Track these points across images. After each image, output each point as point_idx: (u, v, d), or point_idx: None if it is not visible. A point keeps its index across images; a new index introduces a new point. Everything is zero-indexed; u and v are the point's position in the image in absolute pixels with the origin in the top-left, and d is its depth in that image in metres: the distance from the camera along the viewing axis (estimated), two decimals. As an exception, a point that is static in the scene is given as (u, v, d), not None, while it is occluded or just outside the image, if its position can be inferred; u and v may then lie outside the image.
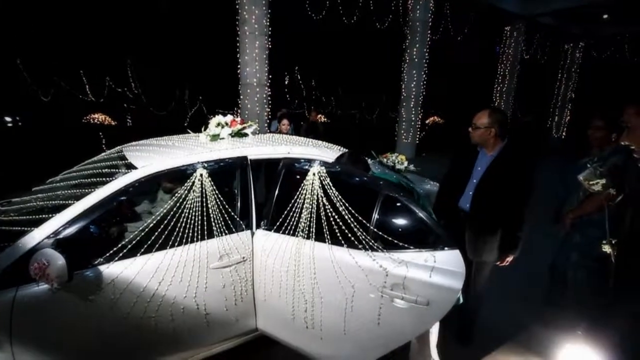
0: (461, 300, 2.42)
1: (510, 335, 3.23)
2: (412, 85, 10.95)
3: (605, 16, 13.53)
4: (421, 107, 11.38)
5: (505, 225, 2.70)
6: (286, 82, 18.57)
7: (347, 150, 2.82)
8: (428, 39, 10.79)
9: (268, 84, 8.42)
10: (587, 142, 2.92)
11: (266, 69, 8.26)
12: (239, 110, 8.63)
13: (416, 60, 10.75)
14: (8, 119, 14.93)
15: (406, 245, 2.02)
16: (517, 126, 14.93)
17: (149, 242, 2.16)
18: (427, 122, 20.94)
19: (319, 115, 18.14)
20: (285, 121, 6.57)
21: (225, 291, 2.42)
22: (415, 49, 10.68)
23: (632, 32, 13.95)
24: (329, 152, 2.79)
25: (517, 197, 2.67)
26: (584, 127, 2.94)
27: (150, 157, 2.41)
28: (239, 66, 8.31)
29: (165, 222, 2.21)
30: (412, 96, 11.06)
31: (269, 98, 8.55)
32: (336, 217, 2.13)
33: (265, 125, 8.39)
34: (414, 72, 10.85)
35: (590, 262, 2.94)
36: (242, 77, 8.32)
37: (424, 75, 11.03)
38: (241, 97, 8.43)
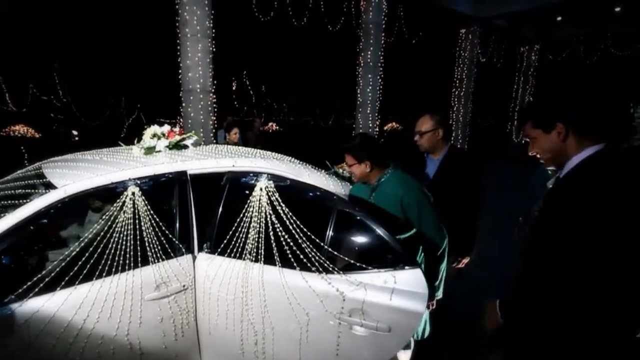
0: (418, 337, 2.44)
1: (479, 352, 3.28)
2: (368, 90, 11.12)
3: (559, 18, 14.42)
4: (378, 113, 11.57)
5: (459, 228, 2.77)
6: (233, 88, 18.40)
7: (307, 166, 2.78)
8: (382, 41, 11.02)
9: (213, 90, 8.27)
10: None
11: (210, 74, 8.10)
12: (181, 120, 8.41)
13: (371, 64, 10.94)
14: None
15: (364, 266, 1.99)
16: (477, 132, 15.54)
17: (71, 273, 2.01)
18: (385, 128, 21.37)
19: (270, 124, 18.09)
20: (235, 130, 6.48)
21: (163, 325, 2.29)
22: (369, 53, 10.87)
23: (585, 33, 14.93)
24: (279, 164, 2.73)
25: (469, 198, 2.84)
26: None
27: (73, 175, 2.26)
28: (180, 71, 8.11)
29: (91, 249, 2.07)
30: (369, 102, 11.23)
31: (214, 105, 8.38)
32: (287, 236, 2.08)
33: (211, 135, 8.21)
34: (370, 76, 11.03)
35: None
36: (183, 83, 8.11)
37: (380, 80, 11.24)
38: (183, 104, 8.21)
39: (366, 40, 10.87)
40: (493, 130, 17.94)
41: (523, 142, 18.18)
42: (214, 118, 8.45)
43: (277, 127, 19.49)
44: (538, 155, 1.68)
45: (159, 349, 2.30)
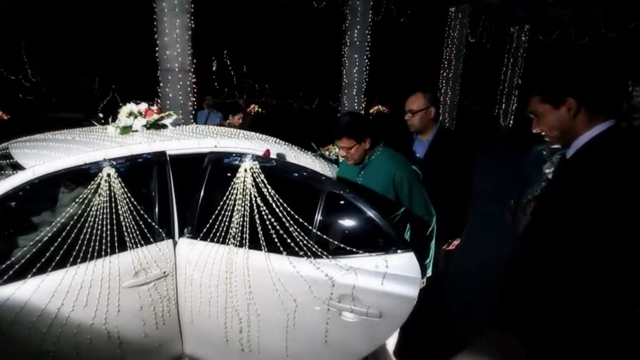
0: None
1: (467, 338, 3.31)
2: (354, 71, 11.02)
3: (550, -2, 14.43)
4: (364, 95, 11.50)
5: (448, 210, 2.78)
6: (214, 68, 18.09)
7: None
8: (370, 19, 10.90)
9: (192, 70, 8.09)
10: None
11: (189, 52, 7.91)
12: (159, 100, 8.23)
13: (357, 43, 10.82)
14: None
15: (354, 250, 1.96)
16: (465, 115, 15.60)
17: (43, 260, 1.94)
18: (371, 111, 21.30)
19: (252, 106, 17.88)
20: (240, 115, 6.34)
21: (143, 314, 2.24)
22: (356, 31, 10.74)
23: (577, 13, 14.95)
24: (264, 145, 2.67)
25: (459, 180, 2.88)
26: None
27: (43, 155, 2.17)
28: (157, 49, 7.91)
29: (64, 234, 2.00)
30: (354, 83, 11.13)
31: (193, 86, 8.22)
32: (273, 219, 2.03)
33: (191, 117, 8.07)
34: (356, 56, 10.92)
35: None
36: (161, 62, 7.91)
37: (367, 60, 11.14)
38: (161, 84, 8.03)
39: (353, 17, 10.72)
40: (481, 113, 18.03)
41: (510, 125, 18.35)
42: (194, 99, 8.29)
43: (260, 110, 19.30)
44: (543, 133, 1.62)
45: (139, 337, 2.25)
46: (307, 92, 20.85)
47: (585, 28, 14.94)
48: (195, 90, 8.31)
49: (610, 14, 14.17)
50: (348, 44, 10.96)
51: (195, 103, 8.33)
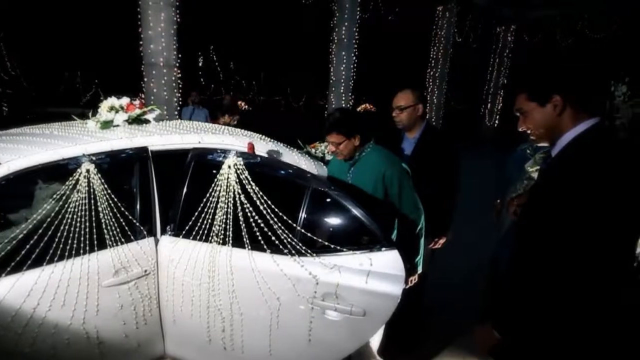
0: None
1: (452, 337, 3.32)
2: (342, 68, 11.00)
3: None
4: (352, 92, 11.49)
5: (435, 207, 2.77)
6: (200, 64, 17.93)
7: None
8: (358, 17, 10.89)
9: (177, 65, 7.99)
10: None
11: (175, 47, 7.81)
12: (143, 95, 8.11)
13: (345, 40, 10.81)
14: None
15: (338, 248, 1.94)
16: (452, 114, 15.70)
17: (18, 258, 1.88)
18: (358, 109, 21.31)
19: (239, 102, 17.72)
20: (237, 117, 6.17)
21: (123, 313, 2.19)
22: (344, 28, 10.72)
23: (562, 14, 15.13)
24: (247, 141, 2.63)
25: (446, 178, 2.90)
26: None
27: (19, 149, 2.10)
28: (141, 43, 7.79)
29: (41, 231, 1.94)
30: (342, 80, 11.12)
31: (179, 81, 8.12)
32: (257, 217, 2.00)
33: (175, 113, 7.97)
34: (343, 53, 10.90)
35: None
36: (145, 56, 7.79)
37: (354, 58, 11.13)
38: (145, 79, 7.92)
39: (340, 15, 10.71)
40: (467, 112, 18.17)
41: (496, 125, 18.50)
42: (179, 94, 8.19)
43: (246, 106, 19.19)
44: (529, 131, 1.63)
45: (119, 338, 2.21)
46: (295, 89, 20.78)
47: (570, 29, 15.13)
48: (180, 85, 8.21)
49: (594, 16, 14.36)
50: (336, 41, 10.93)
51: (180, 99, 8.23)
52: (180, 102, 8.21)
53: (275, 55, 18.94)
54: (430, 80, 14.83)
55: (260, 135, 2.96)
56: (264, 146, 2.63)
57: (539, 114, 1.56)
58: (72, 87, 15.76)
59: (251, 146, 2.45)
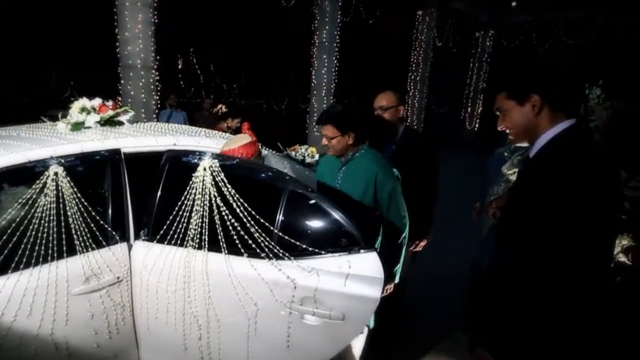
0: (371, 325, 2.41)
1: (434, 341, 3.31)
2: (323, 71, 11.01)
3: (514, 3, 14.84)
4: (333, 95, 11.49)
5: (415, 210, 2.76)
6: (179, 67, 17.73)
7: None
8: (339, 20, 10.92)
9: (155, 67, 7.88)
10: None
11: (152, 48, 7.70)
12: (120, 98, 7.97)
13: (326, 43, 10.82)
14: None
15: (317, 250, 1.91)
16: (432, 118, 15.84)
17: (-20, 266, 1.80)
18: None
19: (220, 105, 17.59)
20: (237, 119, 6.05)
21: (95, 322, 2.11)
22: (325, 31, 10.73)
23: (539, 20, 15.44)
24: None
25: (426, 180, 2.91)
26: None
27: (-18, 152, 2.01)
28: (118, 44, 7.66)
29: (5, 237, 1.86)
30: (324, 84, 11.12)
31: (157, 84, 8.01)
32: (233, 220, 1.95)
33: (154, 115, 7.85)
34: (325, 56, 10.91)
35: None
36: (122, 58, 7.67)
37: (336, 61, 11.15)
38: (122, 81, 7.79)
39: (322, 18, 10.72)
40: (448, 116, 18.34)
41: (476, 128, 18.72)
42: (157, 97, 8.07)
43: (227, 110, 19.03)
44: (507, 130, 1.63)
45: (91, 348, 2.12)
46: (277, 93, 20.70)
47: (547, 34, 15.44)
48: (159, 88, 8.10)
49: (570, 21, 14.68)
50: (317, 44, 10.94)
51: (158, 102, 8.12)
52: (159, 105, 8.10)
53: (257, 58, 18.85)
54: (411, 84, 14.94)
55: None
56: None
57: (517, 113, 1.56)
58: (46, 89, 15.39)
59: (247, 125, 2.40)
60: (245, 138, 2.30)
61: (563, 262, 1.36)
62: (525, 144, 2.94)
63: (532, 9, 14.88)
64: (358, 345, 2.47)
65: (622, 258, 2.75)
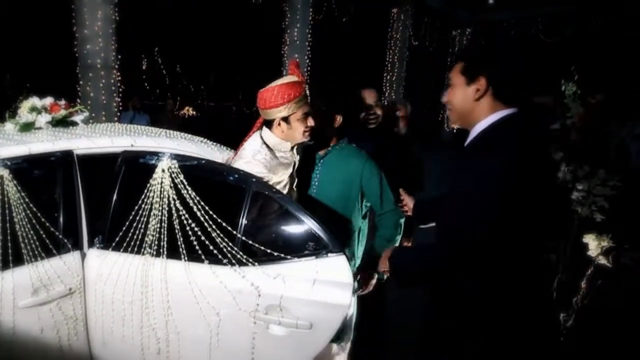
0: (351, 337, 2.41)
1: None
2: (295, 71, 11.01)
3: (491, 1, 15.13)
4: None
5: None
6: (143, 67, 17.50)
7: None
8: (310, 18, 10.95)
9: (117, 67, 7.74)
10: None
11: (114, 47, 7.56)
12: (79, 100, 7.80)
13: (297, 42, 10.84)
14: None
15: (282, 255, 1.89)
16: (411, 119, 15.97)
17: None
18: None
19: (186, 108, 17.43)
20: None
21: (45, 337, 2.04)
22: (296, 30, 10.75)
23: (516, 17, 15.80)
24: (188, 145, 2.55)
25: (409, 179, 2.94)
26: None
27: None
28: (76, 43, 7.50)
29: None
30: (296, 84, 11.13)
31: (118, 84, 7.86)
32: (194, 225, 1.92)
33: (115, 118, 7.70)
34: (296, 55, 10.92)
35: None
36: (81, 57, 7.50)
37: (308, 60, 11.17)
38: (81, 82, 7.62)
39: (292, 16, 10.73)
40: (426, 116, 18.55)
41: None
42: (119, 99, 7.93)
43: (194, 112, 18.84)
44: (449, 107, 1.66)
45: (40, 365, 2.06)
46: (247, 94, 20.59)
47: (525, 32, 15.79)
48: (120, 89, 7.96)
49: (548, 19, 15.06)
50: (288, 43, 10.95)
51: (120, 103, 7.98)
52: (121, 107, 7.96)
53: (226, 59, 18.74)
54: (388, 84, 15.06)
55: (202, 139, 2.89)
56: (204, 150, 2.56)
57: (461, 93, 1.60)
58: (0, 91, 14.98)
59: (295, 63, 2.33)
60: (291, 77, 2.25)
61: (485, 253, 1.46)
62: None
63: (509, 6, 15.20)
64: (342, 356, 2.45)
65: (603, 260, 2.71)
